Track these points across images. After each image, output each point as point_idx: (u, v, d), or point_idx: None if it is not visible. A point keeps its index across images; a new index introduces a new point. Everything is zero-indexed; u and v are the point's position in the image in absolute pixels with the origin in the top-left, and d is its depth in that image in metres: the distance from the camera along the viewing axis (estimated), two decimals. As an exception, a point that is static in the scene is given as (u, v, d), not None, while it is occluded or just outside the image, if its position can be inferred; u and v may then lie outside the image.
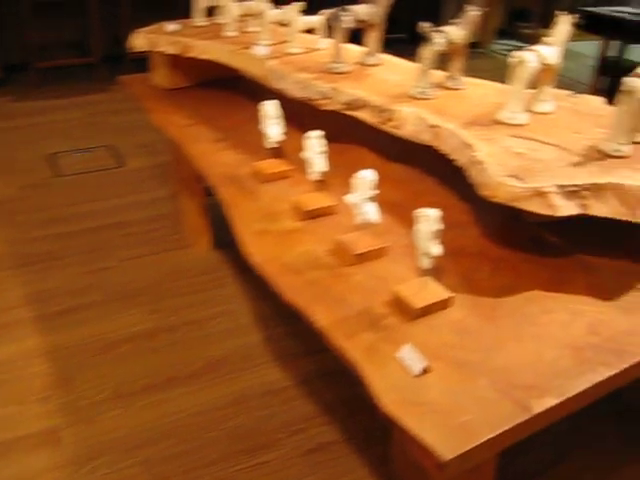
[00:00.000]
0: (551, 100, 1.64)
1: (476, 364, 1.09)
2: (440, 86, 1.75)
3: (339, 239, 1.37)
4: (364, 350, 1.12)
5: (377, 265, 1.34)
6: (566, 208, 1.26)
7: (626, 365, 1.10)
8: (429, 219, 1.12)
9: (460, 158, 1.45)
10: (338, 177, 1.63)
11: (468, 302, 1.24)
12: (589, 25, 3.63)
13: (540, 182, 1.26)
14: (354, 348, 1.12)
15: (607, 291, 1.30)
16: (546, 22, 6.20)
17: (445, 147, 1.51)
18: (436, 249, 1.15)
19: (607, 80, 4.06)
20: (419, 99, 1.66)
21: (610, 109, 1.70)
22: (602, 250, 1.43)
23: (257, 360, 2.08)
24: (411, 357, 1.08)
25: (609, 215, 1.28)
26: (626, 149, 1.39)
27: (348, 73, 1.83)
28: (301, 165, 1.63)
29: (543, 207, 1.25)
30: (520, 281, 1.32)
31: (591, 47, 4.91)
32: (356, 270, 1.32)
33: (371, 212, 1.29)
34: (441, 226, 1.14)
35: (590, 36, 3.74)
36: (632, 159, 1.39)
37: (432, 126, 1.53)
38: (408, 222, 1.48)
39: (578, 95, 1.78)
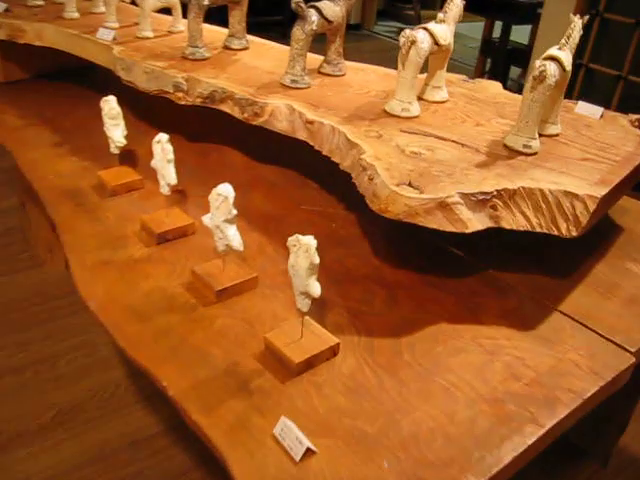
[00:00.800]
0: (444, 86, 1.41)
1: (375, 437, 0.84)
2: (317, 72, 1.49)
3: (197, 271, 1.08)
4: (229, 428, 0.84)
5: (245, 302, 1.07)
6: (475, 222, 1.03)
7: (559, 418, 0.88)
8: (308, 250, 0.85)
9: (342, 161, 1.19)
10: (200, 186, 1.33)
11: (361, 346, 0.98)
12: (473, 5, 3.48)
13: (442, 191, 1.02)
14: (215, 425, 0.85)
15: (524, 317, 1.08)
16: (426, 3, 6.10)
17: (324, 147, 1.24)
18: (316, 288, 0.88)
19: (490, 62, 3.96)
20: (292, 88, 1.39)
21: (511, 96, 1.50)
22: (514, 265, 1.22)
23: (119, 402, 1.75)
24: (290, 435, 0.81)
25: (524, 228, 1.06)
26: (535, 144, 1.18)
27: (208, 60, 1.53)
28: (155, 173, 1.32)
29: (447, 223, 1.01)
30: (423, 312, 1.07)
31: (475, 28, 4.82)
32: (219, 311, 1.04)
33: (233, 238, 1.01)
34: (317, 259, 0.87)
35: (474, 17, 3.59)
36: (542, 156, 1.18)
37: (308, 122, 1.26)
38: (282, 239, 1.21)
39: (473, 80, 1.56)
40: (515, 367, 0.97)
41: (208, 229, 1.21)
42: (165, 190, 1.18)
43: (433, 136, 1.22)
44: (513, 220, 1.05)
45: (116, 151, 1.34)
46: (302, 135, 1.29)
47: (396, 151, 1.14)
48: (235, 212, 1.00)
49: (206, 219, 1.04)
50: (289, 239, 0.89)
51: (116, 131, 1.31)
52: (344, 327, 1.02)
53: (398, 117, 1.28)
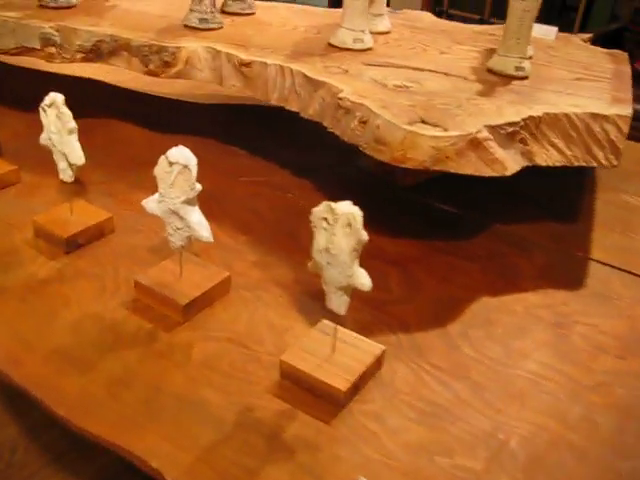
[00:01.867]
0: (386, 15, 1.15)
1: (491, 476, 0.58)
2: (221, 13, 1.17)
3: (143, 281, 0.75)
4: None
5: (223, 314, 0.76)
6: (511, 161, 0.79)
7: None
8: (351, 223, 0.57)
9: (305, 107, 0.91)
10: (95, 170, 0.99)
11: (405, 348, 0.72)
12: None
13: (467, 126, 0.77)
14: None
15: (563, 273, 0.87)
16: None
17: (271, 94, 0.95)
18: (366, 278, 0.60)
19: None
20: (202, 30, 1.06)
21: (451, 24, 1.28)
22: (514, 214, 1.00)
23: (21, 473, 1.34)
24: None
25: (560, 163, 0.84)
26: (528, 66, 0.96)
27: (75, 7, 1.16)
28: (35, 160, 0.96)
29: (484, 165, 0.76)
30: (453, 288, 0.83)
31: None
32: (191, 333, 0.72)
33: (198, 225, 0.69)
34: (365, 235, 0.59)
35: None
36: (535, 79, 0.97)
37: (243, 64, 0.95)
38: (234, 222, 0.91)
39: (399, 11, 1.33)
40: (594, 337, 0.75)
41: (133, 223, 0.88)
42: (67, 175, 0.82)
43: (405, 67, 0.96)
44: (547, 155, 0.83)
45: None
46: (233, 84, 0.98)
47: (377, 86, 0.88)
48: (199, 187, 0.68)
49: (150, 204, 0.71)
50: (314, 211, 0.60)
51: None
52: (370, 326, 0.74)
53: (351, 50, 1.01)
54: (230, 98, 1.34)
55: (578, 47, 1.20)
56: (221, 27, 1.08)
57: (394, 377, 0.67)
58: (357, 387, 0.64)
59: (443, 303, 0.79)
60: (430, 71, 0.95)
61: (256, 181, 1.03)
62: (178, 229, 0.71)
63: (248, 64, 0.94)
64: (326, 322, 0.69)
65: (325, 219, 0.59)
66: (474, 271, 0.86)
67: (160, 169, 0.69)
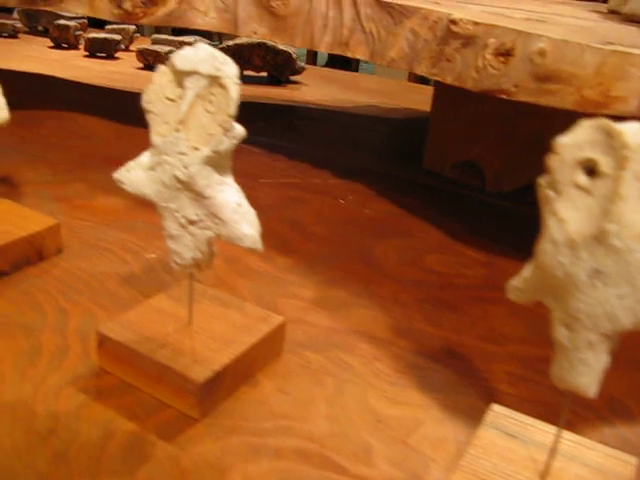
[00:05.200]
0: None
1: None
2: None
3: (112, 335, 0.38)
4: None
5: (274, 403, 0.38)
6: None
7: None
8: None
9: (385, 50, 0.56)
10: (38, 167, 0.62)
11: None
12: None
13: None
14: None
15: None
16: None
17: (322, 39, 0.60)
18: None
19: None
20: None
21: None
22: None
23: None
24: None
25: None
26: None
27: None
28: None
29: None
30: None
31: None
32: (212, 445, 0.34)
33: (235, 214, 0.33)
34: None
35: None
36: None
37: (275, -3, 0.60)
38: (268, 239, 0.55)
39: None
40: None
41: (94, 238, 0.51)
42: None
43: (515, 8, 0.63)
44: None
45: None
46: (254, 30, 0.63)
47: (498, 17, 0.54)
48: (241, 130, 0.32)
49: (133, 173, 0.35)
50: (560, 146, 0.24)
51: None
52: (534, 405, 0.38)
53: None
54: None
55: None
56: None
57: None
58: None
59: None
60: (550, 14, 0.63)
61: (286, 183, 0.67)
62: (191, 223, 0.34)
63: (281, -6, 0.60)
64: (507, 413, 0.33)
65: (590, 165, 0.23)
66: None
67: (155, 93, 0.33)
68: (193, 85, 0.32)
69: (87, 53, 1.21)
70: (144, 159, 0.35)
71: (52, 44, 1.25)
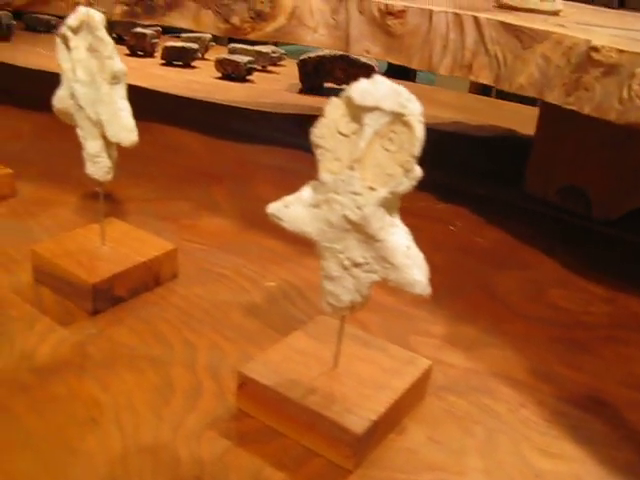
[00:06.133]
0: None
1: None
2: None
3: (250, 374, 0.36)
4: None
5: (427, 453, 0.36)
6: None
7: None
8: None
9: (512, 75, 0.54)
10: (138, 184, 0.62)
11: None
12: None
13: None
14: None
15: None
16: None
17: (440, 61, 0.58)
18: None
19: None
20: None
21: None
22: None
23: None
24: None
25: None
26: None
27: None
28: (41, 168, 0.59)
29: None
30: None
31: None
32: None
33: (407, 259, 0.31)
34: None
35: None
36: None
37: (390, 12, 0.58)
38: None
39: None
40: None
41: (208, 262, 0.50)
42: (100, 169, 0.44)
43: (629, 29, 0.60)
44: None
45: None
46: (367, 48, 0.61)
47: (631, 41, 0.51)
48: (419, 171, 0.30)
49: (293, 209, 0.33)
50: None
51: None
52: None
53: (535, 11, 0.65)
54: (308, 109, 0.98)
55: None
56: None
57: None
58: None
59: None
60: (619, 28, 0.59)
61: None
62: (355, 265, 0.32)
63: (399, 13, 0.58)
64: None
65: None
66: None
67: (327, 127, 0.31)
68: (373, 122, 0.30)
69: (163, 61, 1.20)
70: (305, 195, 0.33)
71: (128, 52, 1.25)
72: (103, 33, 0.42)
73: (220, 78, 1.13)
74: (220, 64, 1.12)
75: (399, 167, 0.30)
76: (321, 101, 1.09)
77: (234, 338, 0.43)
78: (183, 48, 1.17)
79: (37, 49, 1.25)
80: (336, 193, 0.31)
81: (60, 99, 0.45)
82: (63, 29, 0.43)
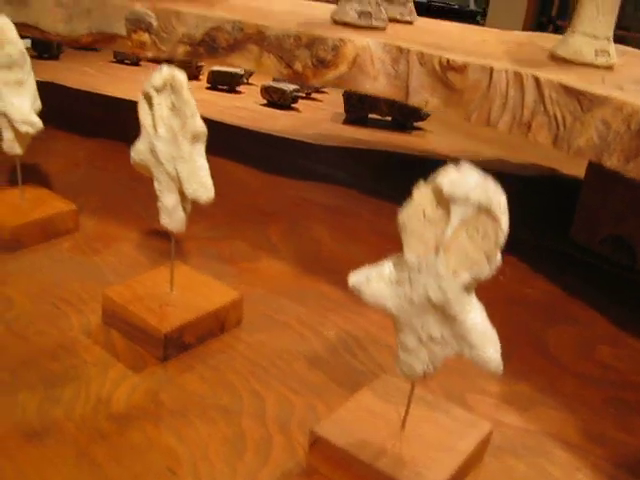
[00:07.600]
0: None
1: None
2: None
3: (323, 434, 0.38)
4: None
5: None
6: None
7: None
8: None
9: (571, 137, 0.55)
10: (199, 220, 0.64)
11: None
12: None
13: None
14: None
15: None
16: None
17: (499, 117, 0.59)
18: None
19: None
20: (362, 28, 0.72)
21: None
22: None
23: None
24: None
25: None
26: None
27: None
28: (102, 200, 0.61)
29: None
30: None
31: None
32: None
33: (482, 336, 0.32)
34: None
35: None
36: None
37: (451, 67, 0.60)
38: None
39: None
40: None
41: (270, 309, 0.52)
42: (175, 222, 0.46)
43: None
44: None
45: (16, 150, 0.59)
46: (426, 99, 0.63)
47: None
48: (499, 258, 0.32)
49: (375, 285, 0.35)
50: None
51: (18, 99, 0.56)
52: None
53: (589, 65, 0.66)
54: (355, 141, 1.00)
55: None
56: (385, 27, 0.74)
57: None
58: None
59: None
60: None
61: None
62: (432, 340, 0.34)
63: (460, 68, 0.59)
64: None
65: None
66: None
67: (414, 211, 0.33)
68: (460, 211, 0.31)
69: (209, 85, 1.23)
70: (387, 271, 0.35)
71: (174, 74, 1.28)
72: (187, 93, 0.44)
73: (265, 105, 1.15)
74: (266, 91, 1.14)
75: (483, 255, 0.31)
76: (367, 133, 1.12)
77: (300, 390, 0.45)
78: (229, 73, 1.20)
79: (84, 68, 1.28)
80: (420, 274, 0.33)
81: (139, 152, 0.47)
82: (147, 88, 0.45)
